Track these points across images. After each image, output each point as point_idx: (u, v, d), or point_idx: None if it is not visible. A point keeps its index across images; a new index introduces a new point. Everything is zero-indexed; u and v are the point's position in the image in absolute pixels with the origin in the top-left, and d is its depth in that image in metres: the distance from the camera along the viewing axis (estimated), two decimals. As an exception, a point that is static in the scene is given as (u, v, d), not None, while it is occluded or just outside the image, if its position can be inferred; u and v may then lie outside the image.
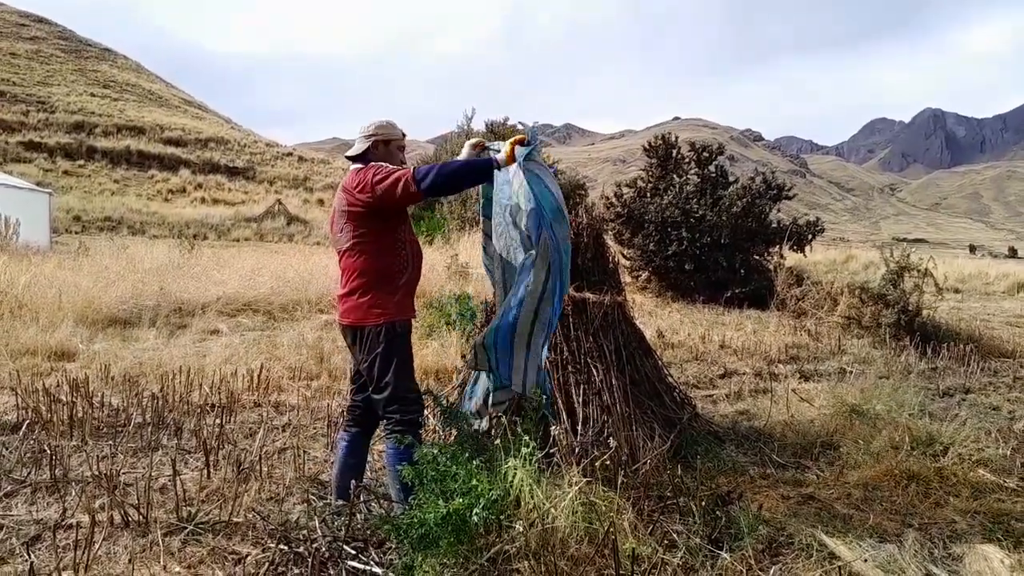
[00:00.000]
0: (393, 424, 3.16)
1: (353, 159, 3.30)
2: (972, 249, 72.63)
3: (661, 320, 9.98)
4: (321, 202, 37.32)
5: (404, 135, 3.43)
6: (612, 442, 3.59)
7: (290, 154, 48.78)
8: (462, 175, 3.09)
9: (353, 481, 3.01)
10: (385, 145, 3.31)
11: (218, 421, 4.53)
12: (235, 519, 3.18)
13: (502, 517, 2.78)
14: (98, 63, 59.09)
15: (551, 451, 3.45)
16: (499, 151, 3.27)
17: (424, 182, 2.96)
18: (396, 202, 3.05)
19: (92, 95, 48.73)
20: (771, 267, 12.62)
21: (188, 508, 3.28)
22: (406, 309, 3.24)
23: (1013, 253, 68.03)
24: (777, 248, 13.14)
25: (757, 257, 13.13)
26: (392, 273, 3.18)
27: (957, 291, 18.57)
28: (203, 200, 34.36)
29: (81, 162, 36.43)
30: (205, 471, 3.72)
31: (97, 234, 23.13)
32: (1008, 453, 4.53)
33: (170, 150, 40.78)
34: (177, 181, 36.56)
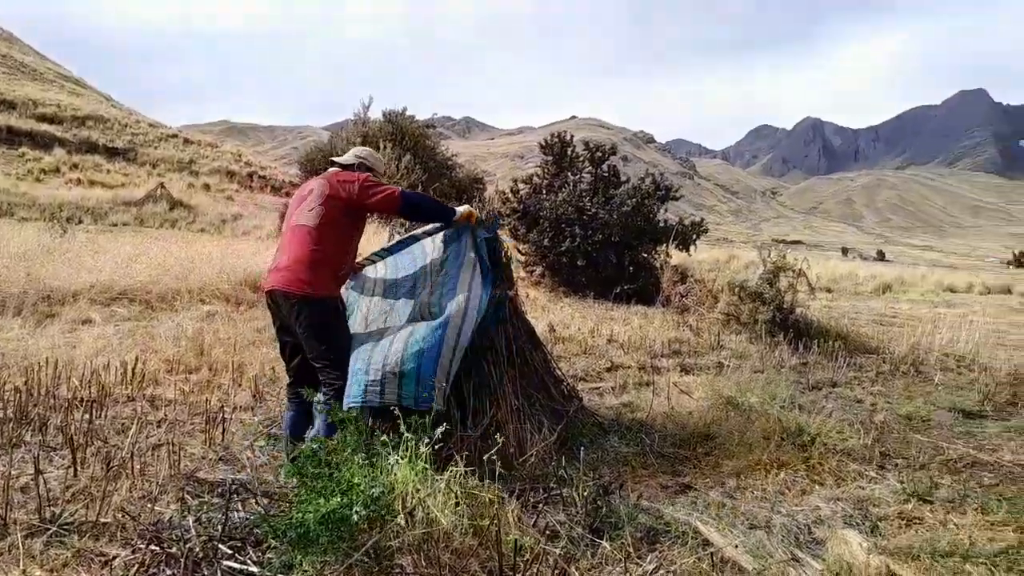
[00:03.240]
0: (332, 391, 3.59)
1: (337, 164, 4.05)
2: (844, 251, 77.07)
3: (553, 314, 10.12)
4: (207, 187, 35.73)
5: (385, 172, 4.08)
6: (499, 437, 3.61)
7: (175, 136, 46.49)
8: (436, 211, 3.99)
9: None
10: (367, 171, 3.99)
11: (87, 416, 4.30)
12: (103, 519, 3.02)
13: (385, 513, 2.76)
14: (-39, 31, 54.77)
15: (444, 445, 3.44)
16: (486, 234, 4.17)
17: (407, 198, 3.77)
18: (373, 205, 3.71)
19: (-46, 65, 45.15)
20: (658, 265, 13.01)
21: (52, 508, 3.09)
22: (339, 289, 3.86)
23: (881, 256, 72.63)
24: (664, 247, 13.56)
25: (645, 255, 13.51)
26: (337, 262, 3.76)
27: (830, 290, 19.68)
28: (79, 181, 32.22)
29: (-59, 137, 33.69)
30: (71, 469, 3.52)
31: (-43, 215, 21.44)
32: (869, 443, 4.84)
33: (43, 127, 38.03)
34: (51, 160, 34.14)
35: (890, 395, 6.63)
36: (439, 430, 3.20)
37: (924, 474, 4.37)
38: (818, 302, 12.10)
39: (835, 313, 12.81)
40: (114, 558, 2.71)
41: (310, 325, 3.60)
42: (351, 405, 3.48)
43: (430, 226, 4.26)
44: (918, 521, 3.68)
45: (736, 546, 3.15)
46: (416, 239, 4.32)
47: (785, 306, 9.20)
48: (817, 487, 4.13)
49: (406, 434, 3.12)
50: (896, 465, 4.59)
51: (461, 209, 3.98)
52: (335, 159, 4.10)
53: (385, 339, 3.73)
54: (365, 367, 3.60)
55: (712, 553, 3.00)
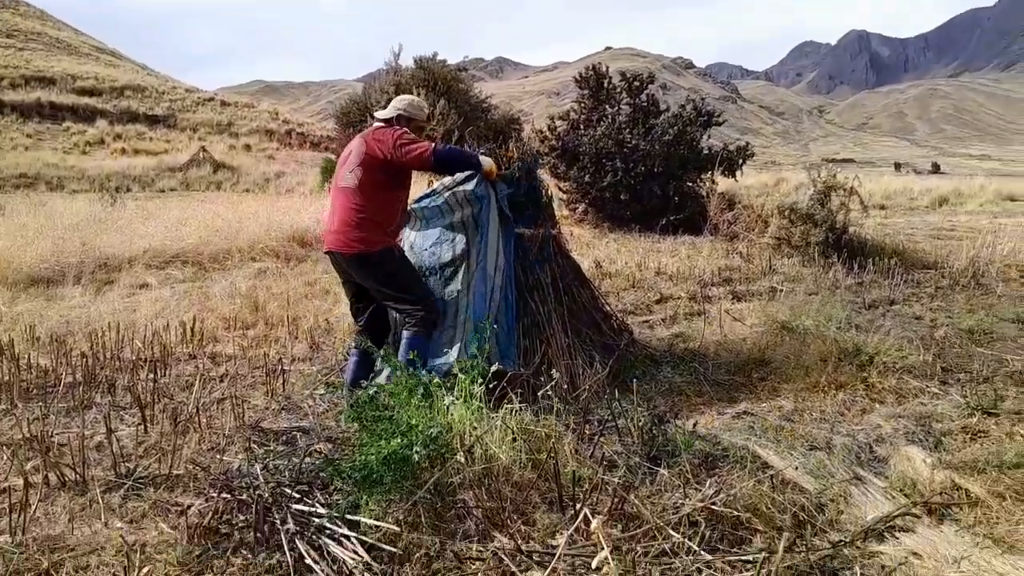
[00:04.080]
0: (413, 321, 3.83)
1: (379, 120, 4.07)
2: (897, 166, 74.67)
3: (599, 251, 10.06)
4: (248, 147, 36.05)
5: (429, 118, 4.26)
6: (554, 372, 3.64)
7: (212, 99, 46.75)
8: (463, 161, 4.04)
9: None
10: (407, 122, 4.04)
11: (152, 375, 4.45)
12: (175, 472, 3.14)
13: (445, 452, 2.81)
14: (-3, 11, 55.42)
15: (497, 384, 3.48)
16: (505, 189, 4.29)
17: (438, 155, 3.76)
18: (407, 163, 3.78)
19: (-6, 45, 45.82)
20: (704, 193, 12.76)
21: (126, 464, 3.22)
22: (393, 239, 4.01)
23: (936, 169, 70.13)
24: (709, 174, 13.26)
25: (690, 184, 13.24)
26: (385, 220, 3.87)
27: (883, 207, 19.16)
28: (123, 151, 32.77)
29: (-11, 117, 34.44)
30: (142, 426, 3.66)
31: (12, 192, 22.01)
32: (930, 359, 4.75)
33: (84, 100, 38.60)
34: (94, 132, 34.73)
35: (950, 310, 6.48)
36: (491, 369, 3.23)
37: (988, 387, 4.29)
38: (872, 220, 11.81)
39: (890, 230, 12.51)
40: (189, 507, 2.82)
41: (374, 278, 3.85)
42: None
43: (448, 179, 4.34)
44: (983, 434, 3.63)
45: (796, 468, 3.14)
46: (438, 193, 4.35)
47: (837, 226, 8.99)
48: (877, 406, 4.09)
49: (459, 375, 3.15)
50: (959, 380, 4.51)
51: (485, 162, 4.06)
52: (376, 114, 4.16)
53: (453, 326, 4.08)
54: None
55: (772, 476, 3.00)
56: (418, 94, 21.34)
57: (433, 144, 3.84)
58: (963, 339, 5.43)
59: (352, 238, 3.78)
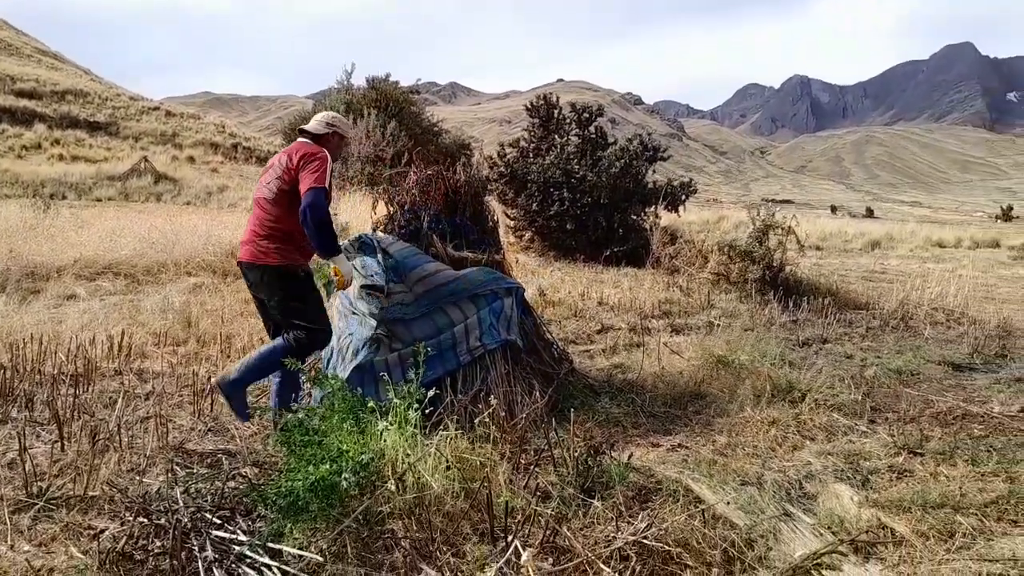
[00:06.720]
0: (294, 338, 3.63)
1: (306, 133, 3.87)
2: (833, 209, 77.22)
3: (543, 279, 10.08)
4: (191, 159, 35.28)
5: (353, 136, 3.93)
6: (492, 399, 3.60)
7: (157, 108, 45.73)
8: (323, 236, 3.53)
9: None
10: (340, 139, 3.95)
11: (73, 391, 4.25)
12: (91, 493, 2.99)
13: (375, 479, 2.75)
14: (-67, 5, 53.59)
15: (434, 410, 3.43)
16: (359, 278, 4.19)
17: (312, 207, 3.45)
18: (300, 180, 3.57)
19: (-72, 41, 44.20)
20: (647, 226, 12.94)
21: (39, 484, 3.05)
22: (304, 259, 3.78)
23: (870, 213, 72.69)
24: (653, 208, 13.47)
25: (634, 217, 13.43)
26: (299, 234, 3.62)
27: (819, 248, 19.72)
28: (61, 157, 31.71)
29: (-81, 115, 33.09)
30: (58, 444, 3.49)
31: (-62, 194, 21.15)
32: (859, 398, 4.84)
33: (23, 103, 37.33)
34: (32, 136, 33.58)
35: (880, 350, 6.65)
36: (428, 395, 3.18)
37: (914, 427, 4.40)
38: (807, 260, 12.12)
39: (824, 270, 12.85)
40: (102, 531, 2.69)
41: (274, 293, 3.69)
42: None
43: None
44: (909, 474, 3.69)
45: (728, 502, 3.15)
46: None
47: (774, 264, 9.20)
48: (808, 442, 4.14)
49: (395, 400, 3.09)
50: (886, 419, 4.61)
51: (343, 266, 3.68)
52: (303, 127, 3.93)
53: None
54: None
55: (703, 510, 3.00)
56: (369, 114, 21.22)
57: (319, 188, 3.50)
58: (891, 379, 5.57)
59: (262, 248, 3.62)
